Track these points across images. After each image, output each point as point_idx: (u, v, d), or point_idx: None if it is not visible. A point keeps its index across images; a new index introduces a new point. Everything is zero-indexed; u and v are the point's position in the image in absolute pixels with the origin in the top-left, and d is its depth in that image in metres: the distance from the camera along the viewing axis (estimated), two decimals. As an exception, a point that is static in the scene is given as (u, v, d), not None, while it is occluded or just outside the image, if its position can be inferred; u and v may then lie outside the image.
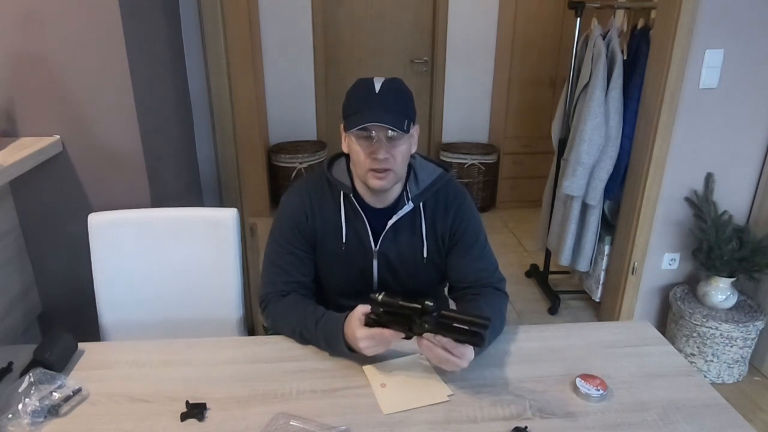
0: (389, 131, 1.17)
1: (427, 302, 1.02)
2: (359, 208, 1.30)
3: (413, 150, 1.27)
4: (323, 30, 4.00)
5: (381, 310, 1.08)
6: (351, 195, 1.29)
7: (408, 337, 1.07)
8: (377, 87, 1.18)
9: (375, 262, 1.34)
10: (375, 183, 1.21)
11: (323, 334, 1.19)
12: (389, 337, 1.08)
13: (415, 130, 1.25)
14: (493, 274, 1.34)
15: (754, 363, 2.43)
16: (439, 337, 1.04)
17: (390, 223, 1.30)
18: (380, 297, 1.06)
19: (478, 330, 1.01)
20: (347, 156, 1.32)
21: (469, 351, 1.07)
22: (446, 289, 1.48)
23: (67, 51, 1.50)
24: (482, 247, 1.34)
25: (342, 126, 1.24)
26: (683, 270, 2.54)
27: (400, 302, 1.05)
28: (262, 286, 1.35)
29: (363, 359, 1.17)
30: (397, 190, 1.30)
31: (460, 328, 1.02)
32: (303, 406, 1.07)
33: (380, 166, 1.18)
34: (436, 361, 1.10)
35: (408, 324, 1.05)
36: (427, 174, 1.32)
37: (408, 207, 1.29)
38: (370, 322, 1.09)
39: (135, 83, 1.57)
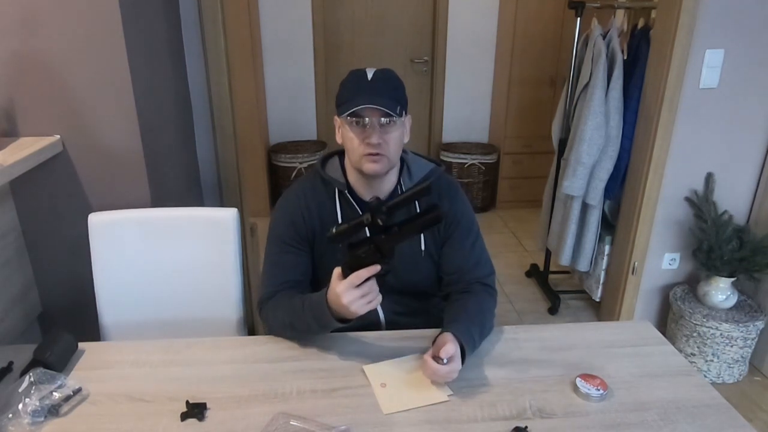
0: (382, 117, 1.18)
1: (369, 200, 1.03)
2: (355, 204, 1.31)
3: (406, 139, 1.28)
4: (323, 29, 4.00)
5: (342, 244, 1.07)
6: (345, 191, 1.30)
7: (384, 272, 1.06)
8: (369, 75, 1.21)
9: None
10: (369, 167, 1.22)
11: (311, 311, 1.18)
12: (365, 275, 1.06)
13: (407, 120, 1.27)
14: (483, 268, 1.35)
15: (754, 363, 2.43)
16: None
17: None
18: (334, 230, 1.06)
19: (423, 193, 1.02)
20: (340, 155, 1.34)
21: (456, 363, 1.10)
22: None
23: (67, 51, 1.50)
24: (474, 239, 1.36)
25: (336, 117, 1.26)
26: (683, 270, 2.54)
27: (352, 224, 1.04)
28: (260, 288, 1.35)
29: (362, 359, 1.18)
30: (391, 182, 1.31)
31: (414, 216, 1.05)
32: (303, 406, 1.07)
33: (374, 151, 1.19)
34: (434, 377, 1.12)
35: (375, 250, 1.04)
36: (419, 168, 1.34)
37: None
38: (346, 273, 1.08)
39: (135, 83, 1.57)
